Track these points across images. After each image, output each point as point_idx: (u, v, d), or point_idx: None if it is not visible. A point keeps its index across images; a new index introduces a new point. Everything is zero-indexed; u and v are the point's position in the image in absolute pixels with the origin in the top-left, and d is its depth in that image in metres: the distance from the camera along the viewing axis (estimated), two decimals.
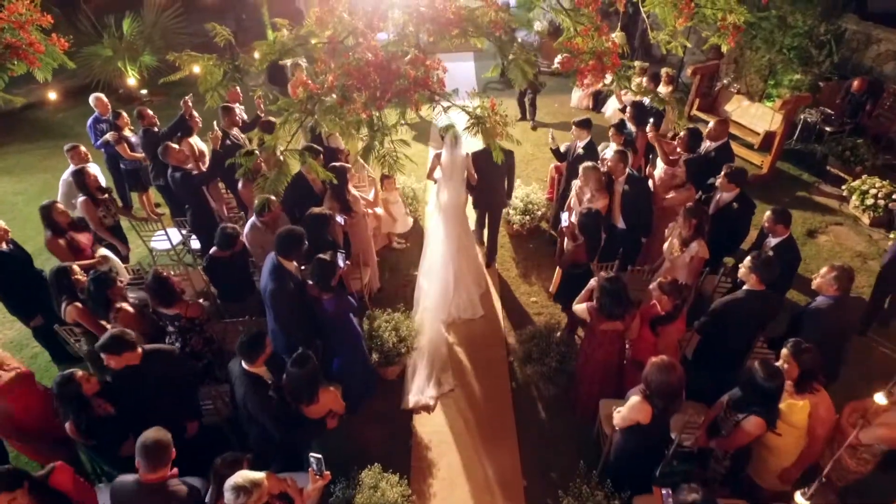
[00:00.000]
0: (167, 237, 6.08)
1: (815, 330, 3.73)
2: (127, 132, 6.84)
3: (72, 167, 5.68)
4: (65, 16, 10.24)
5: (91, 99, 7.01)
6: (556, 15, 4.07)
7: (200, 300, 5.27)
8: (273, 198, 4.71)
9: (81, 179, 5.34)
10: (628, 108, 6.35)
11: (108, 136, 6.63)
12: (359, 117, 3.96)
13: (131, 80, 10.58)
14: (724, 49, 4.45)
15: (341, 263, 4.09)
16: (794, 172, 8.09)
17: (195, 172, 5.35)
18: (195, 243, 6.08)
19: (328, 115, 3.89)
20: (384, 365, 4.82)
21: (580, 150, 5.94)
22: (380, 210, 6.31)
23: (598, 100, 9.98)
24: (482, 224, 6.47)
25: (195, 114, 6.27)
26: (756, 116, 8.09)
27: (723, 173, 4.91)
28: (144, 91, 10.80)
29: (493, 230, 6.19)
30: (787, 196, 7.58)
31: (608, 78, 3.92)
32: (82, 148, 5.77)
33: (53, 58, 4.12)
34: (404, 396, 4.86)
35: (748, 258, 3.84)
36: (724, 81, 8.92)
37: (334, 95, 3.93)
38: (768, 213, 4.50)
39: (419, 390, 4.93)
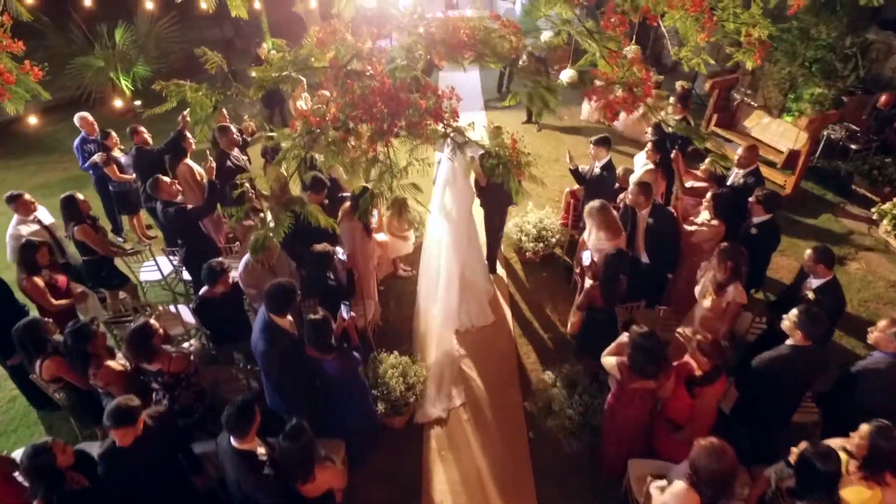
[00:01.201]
0: (157, 267, 5.69)
1: (873, 392, 3.35)
2: (116, 152, 6.47)
3: (16, 218, 5.20)
4: (55, 25, 9.87)
5: (76, 119, 6.63)
6: (581, 40, 3.68)
7: (190, 341, 4.90)
8: (270, 235, 4.34)
9: (74, 206, 4.94)
10: (650, 131, 5.98)
11: (97, 157, 6.25)
12: (364, 154, 3.58)
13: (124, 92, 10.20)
14: (750, 66, 4.11)
15: (346, 315, 3.71)
16: (818, 192, 7.71)
17: (189, 206, 4.94)
18: (188, 273, 5.70)
19: (331, 151, 3.51)
20: (391, 415, 4.43)
21: (598, 171, 5.58)
22: (383, 236, 5.93)
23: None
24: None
25: (189, 135, 5.88)
26: (778, 133, 7.70)
27: (755, 196, 4.57)
28: (138, 102, 10.41)
29: (497, 233, 5.99)
30: (811, 217, 7.21)
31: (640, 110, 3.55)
32: (27, 195, 5.29)
33: (26, 88, 3.73)
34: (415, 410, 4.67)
35: (794, 312, 3.46)
36: (741, 96, 8.54)
37: (337, 128, 3.56)
38: (809, 251, 4.12)
39: (431, 402, 4.76)
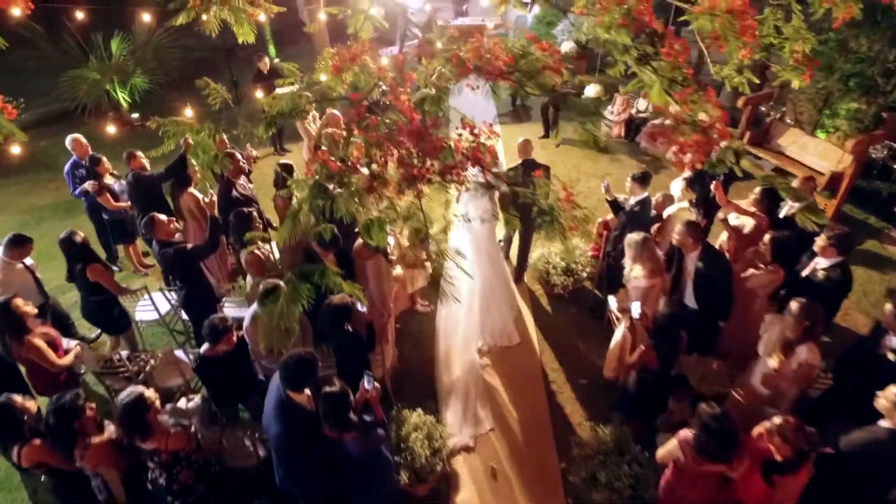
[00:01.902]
0: (154, 306, 5.20)
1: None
2: (108, 179, 5.97)
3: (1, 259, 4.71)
4: (49, 34, 9.40)
5: (69, 141, 6.16)
6: (639, 71, 3.20)
7: (190, 396, 4.43)
8: (282, 283, 3.86)
9: (77, 246, 4.49)
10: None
11: (88, 185, 5.77)
12: (393, 206, 3.11)
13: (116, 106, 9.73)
14: (796, 84, 3.69)
15: (368, 386, 3.23)
16: (860, 216, 7.24)
17: (190, 246, 4.46)
18: (187, 315, 5.22)
19: (353, 202, 3.03)
20: (414, 484, 3.96)
21: (634, 205, 5.13)
22: (399, 269, 5.46)
23: (631, 128, 9.13)
24: (510, 240, 6.18)
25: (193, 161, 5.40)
26: (817, 153, 7.23)
27: (827, 235, 4.11)
28: (136, 115, 9.93)
29: (526, 244, 5.85)
30: (855, 244, 6.74)
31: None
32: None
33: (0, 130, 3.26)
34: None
35: (891, 390, 2.99)
36: (775, 112, 8.08)
37: (363, 171, 3.09)
38: (889, 306, 3.66)
39: (456, 429, 4.52)
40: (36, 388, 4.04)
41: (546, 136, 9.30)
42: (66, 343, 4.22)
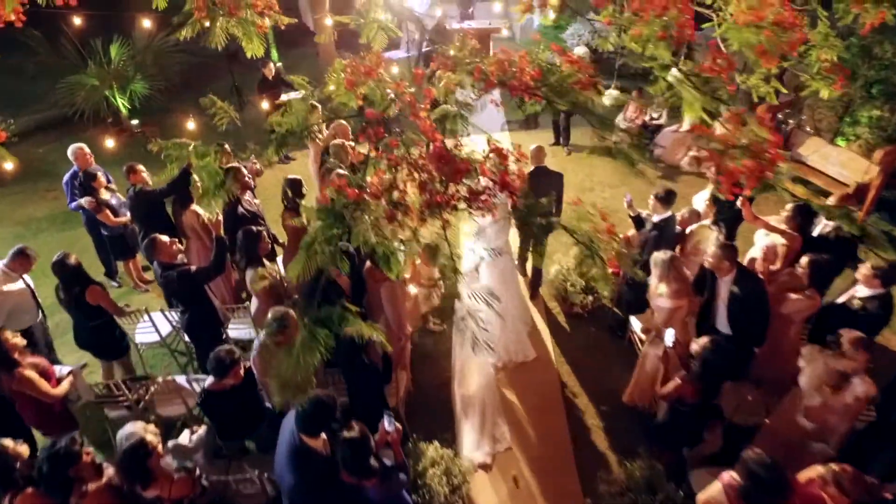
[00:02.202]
0: (154, 327, 4.96)
1: None
2: (104, 194, 5.71)
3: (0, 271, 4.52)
4: (46, 39, 9.15)
5: (70, 151, 5.91)
6: (682, 88, 2.96)
7: (194, 427, 4.18)
8: (292, 312, 3.63)
9: (73, 269, 4.28)
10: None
11: (84, 202, 5.52)
12: (415, 235, 2.88)
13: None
14: (826, 94, 3.49)
15: (389, 428, 2.99)
16: (885, 227, 7.00)
17: (194, 269, 4.22)
18: (190, 339, 4.98)
19: (372, 233, 2.79)
20: None
21: (657, 223, 4.89)
22: (413, 289, 5.22)
23: (644, 135, 8.89)
24: (524, 257, 6.04)
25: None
26: (840, 163, 6.98)
27: (870, 265, 3.89)
28: (136, 121, 9.67)
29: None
30: (882, 259, 6.49)
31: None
32: (31, 251, 4.64)
33: None
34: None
35: None
36: (795, 120, 7.85)
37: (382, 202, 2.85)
38: None
39: (473, 446, 4.38)
40: (30, 422, 3.80)
41: (557, 143, 9.04)
42: (59, 371, 3.98)
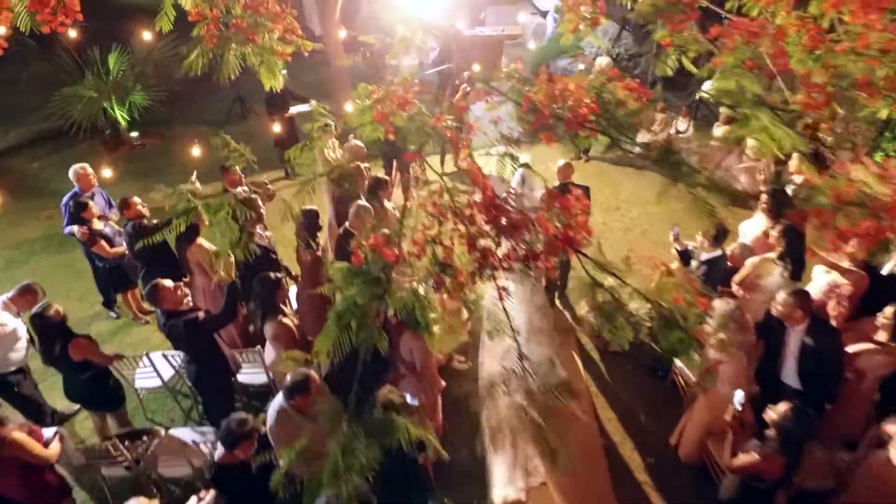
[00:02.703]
0: (155, 371, 4.53)
1: None
2: (98, 223, 5.27)
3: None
4: (41, 49, 8.71)
5: (72, 172, 5.48)
6: (777, 129, 2.53)
7: (202, 494, 3.74)
8: (313, 374, 3.20)
9: (52, 321, 3.81)
10: (764, 200, 4.84)
11: (76, 232, 5.09)
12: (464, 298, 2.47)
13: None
14: (884, 114, 3.08)
15: None
16: None
17: (202, 316, 3.77)
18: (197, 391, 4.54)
19: (416, 299, 2.37)
20: None
21: (708, 260, 4.47)
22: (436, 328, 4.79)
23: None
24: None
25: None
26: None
27: None
28: (135, 134, 9.25)
29: (565, 271, 5.31)
30: None
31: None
32: (37, 286, 4.21)
33: None
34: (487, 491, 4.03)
35: None
36: (831, 137, 7.41)
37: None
38: None
39: (504, 481, 4.10)
40: (16, 496, 3.35)
41: (577, 157, 8.62)
42: (45, 432, 3.55)
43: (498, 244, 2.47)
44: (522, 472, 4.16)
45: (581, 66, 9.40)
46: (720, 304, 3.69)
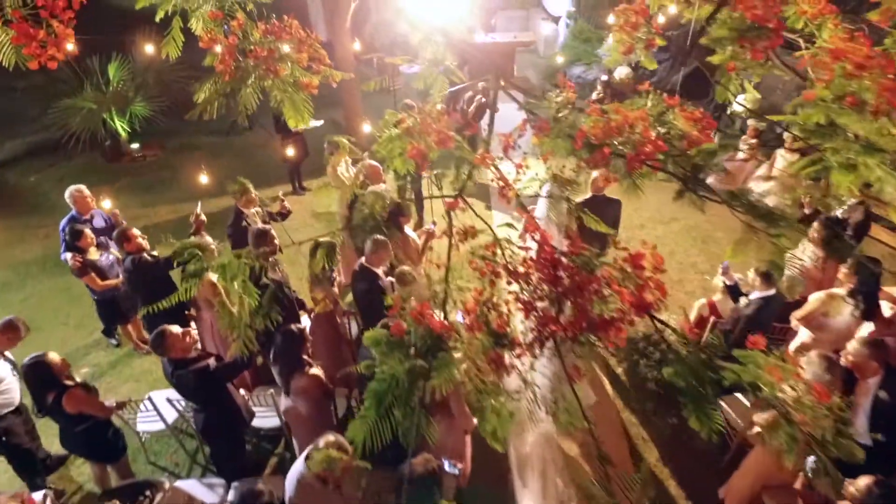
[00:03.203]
0: (158, 415, 4.18)
1: None
2: (93, 253, 4.92)
3: None
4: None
5: (68, 194, 5.14)
6: (879, 172, 2.18)
7: None
8: (345, 443, 2.84)
9: (46, 372, 3.45)
10: (815, 228, 4.47)
11: (69, 260, 4.74)
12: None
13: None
14: None
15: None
16: None
17: (213, 364, 3.41)
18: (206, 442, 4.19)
19: (469, 378, 2.02)
20: None
21: (756, 301, 4.12)
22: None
23: None
24: None
25: (209, 239, 4.35)
26: None
27: None
28: (136, 145, 8.91)
29: None
30: None
31: None
32: (21, 323, 3.88)
33: None
34: None
35: None
36: None
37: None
38: None
39: None
40: None
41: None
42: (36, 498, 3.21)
43: (559, 310, 2.13)
44: (553, 499, 3.90)
45: (603, 77, 9.04)
46: (813, 356, 3.26)
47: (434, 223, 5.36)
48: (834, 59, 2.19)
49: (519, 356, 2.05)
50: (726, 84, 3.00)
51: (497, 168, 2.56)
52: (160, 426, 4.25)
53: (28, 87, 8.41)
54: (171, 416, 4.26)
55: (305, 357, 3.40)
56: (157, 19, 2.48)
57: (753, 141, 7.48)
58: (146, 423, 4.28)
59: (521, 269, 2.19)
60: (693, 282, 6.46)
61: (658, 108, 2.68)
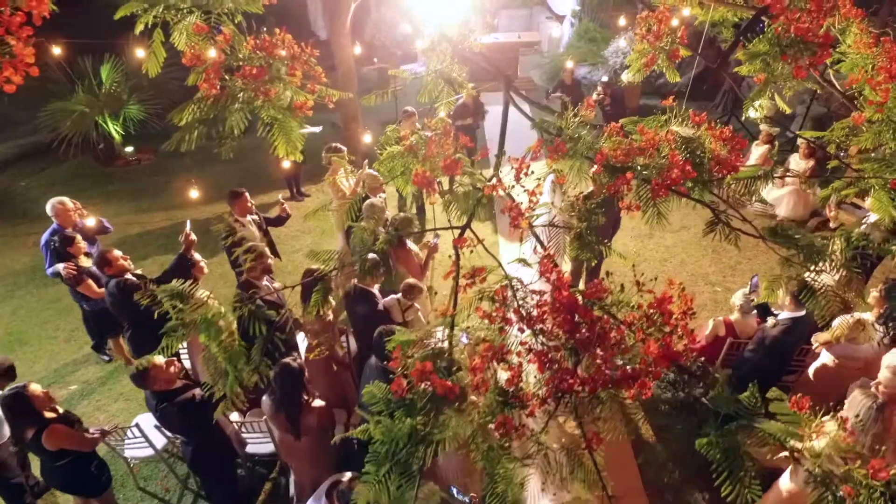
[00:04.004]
0: (147, 440, 3.98)
1: None
2: (84, 261, 4.72)
3: None
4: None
5: (49, 207, 4.89)
6: None
7: None
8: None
9: (25, 406, 3.23)
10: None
11: (61, 269, 4.53)
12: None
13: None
14: None
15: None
16: None
17: (199, 395, 3.17)
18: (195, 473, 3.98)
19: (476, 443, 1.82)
20: None
21: (783, 322, 3.90)
22: None
23: None
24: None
25: (198, 257, 4.12)
26: None
27: None
28: (130, 149, 8.69)
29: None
30: None
31: None
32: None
33: None
34: None
35: None
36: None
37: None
38: None
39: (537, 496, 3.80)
40: None
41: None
42: None
43: (577, 361, 1.92)
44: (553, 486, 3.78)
45: (604, 78, 8.79)
46: (863, 401, 3.01)
47: (437, 236, 5.15)
48: (890, 78, 1.97)
49: (530, 414, 1.84)
50: (753, 99, 2.78)
51: (511, 196, 2.35)
52: (149, 452, 4.05)
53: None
54: (160, 441, 4.05)
55: (305, 391, 3.19)
56: (137, 32, 2.28)
57: (765, 147, 7.25)
58: (134, 449, 4.07)
59: (535, 313, 1.98)
60: (704, 293, 6.25)
61: (685, 129, 2.47)
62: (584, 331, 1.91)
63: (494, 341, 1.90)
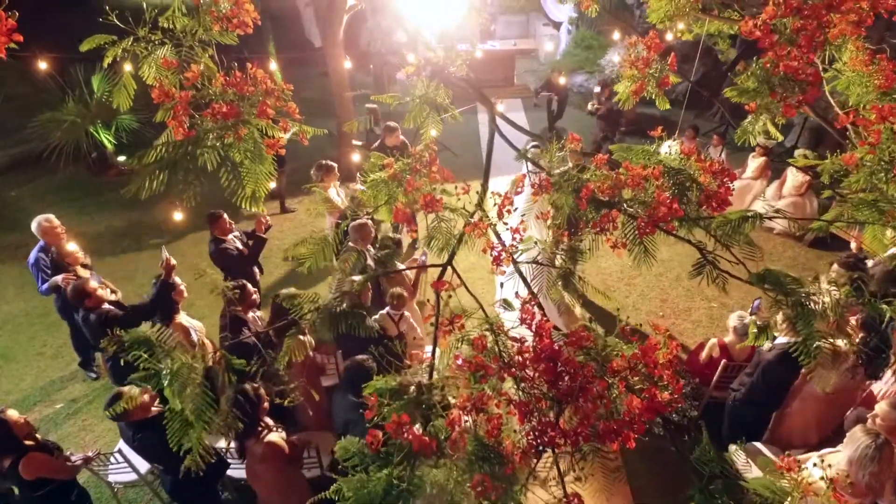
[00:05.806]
0: (130, 466, 3.91)
1: None
2: (81, 270, 4.70)
3: None
4: (19, 68, 8.05)
5: (35, 224, 4.84)
6: None
7: None
8: None
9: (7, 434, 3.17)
10: (835, 267, 4.18)
11: (59, 280, 4.50)
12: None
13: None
14: None
15: None
16: None
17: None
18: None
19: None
20: None
21: (775, 347, 3.85)
22: None
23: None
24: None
25: (178, 282, 4.04)
26: None
27: None
28: (122, 158, 8.62)
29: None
30: None
31: None
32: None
33: None
34: None
35: None
36: None
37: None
38: None
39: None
40: None
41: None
42: None
43: (560, 412, 1.85)
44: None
45: (596, 89, 8.73)
46: (864, 439, 2.87)
47: (425, 253, 5.09)
48: (880, 118, 1.90)
49: (511, 470, 1.77)
50: (748, 129, 2.71)
51: (497, 233, 2.29)
52: (133, 476, 3.98)
53: (9, 96, 8.10)
54: (143, 466, 3.99)
55: (262, 421, 3.11)
56: (105, 64, 2.21)
57: (761, 159, 7.19)
58: (118, 474, 4.01)
59: (517, 360, 1.91)
60: (700, 310, 6.19)
61: (672, 160, 2.42)
62: (566, 380, 1.85)
63: (472, 392, 1.84)
